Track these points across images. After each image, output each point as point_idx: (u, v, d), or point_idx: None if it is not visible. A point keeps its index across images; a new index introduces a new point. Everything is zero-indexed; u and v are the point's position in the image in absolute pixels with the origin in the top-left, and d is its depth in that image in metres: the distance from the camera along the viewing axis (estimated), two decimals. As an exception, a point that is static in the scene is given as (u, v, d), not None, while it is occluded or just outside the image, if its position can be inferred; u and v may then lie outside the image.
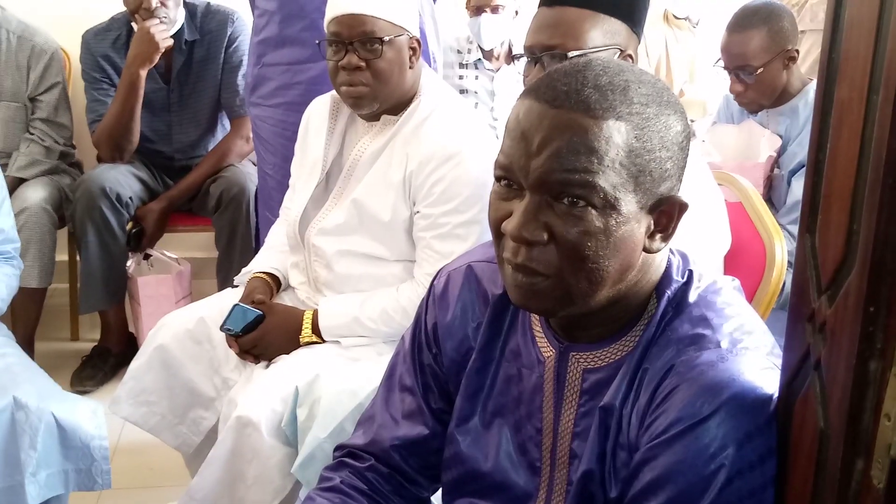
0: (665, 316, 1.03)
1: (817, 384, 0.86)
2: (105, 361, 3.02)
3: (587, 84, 0.96)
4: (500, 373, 1.14)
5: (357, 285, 1.96)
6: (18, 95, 3.07)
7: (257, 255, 2.20)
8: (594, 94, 0.95)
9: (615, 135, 0.94)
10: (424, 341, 1.21)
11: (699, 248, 1.54)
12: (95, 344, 3.10)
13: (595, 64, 0.99)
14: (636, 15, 1.68)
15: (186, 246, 3.47)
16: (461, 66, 3.44)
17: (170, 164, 3.17)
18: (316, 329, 1.92)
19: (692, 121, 3.16)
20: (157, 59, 2.90)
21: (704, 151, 2.55)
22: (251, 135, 3.06)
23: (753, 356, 0.98)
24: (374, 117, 1.97)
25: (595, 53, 1.61)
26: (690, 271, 1.06)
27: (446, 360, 1.19)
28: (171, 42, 2.93)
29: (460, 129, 1.90)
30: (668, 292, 1.03)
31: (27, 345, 2.84)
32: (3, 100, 3.06)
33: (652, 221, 0.99)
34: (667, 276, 1.05)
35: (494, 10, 3.34)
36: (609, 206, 0.95)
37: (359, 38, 1.87)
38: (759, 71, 2.41)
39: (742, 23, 2.44)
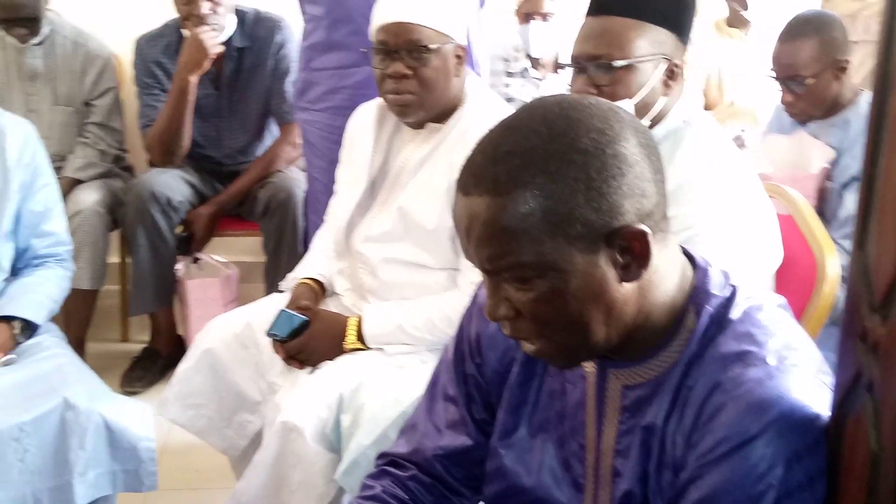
0: (707, 333, 1.01)
1: (870, 406, 0.84)
2: (154, 363, 3.06)
3: (488, 159, 0.96)
4: (543, 387, 1.14)
5: (402, 293, 1.96)
6: (73, 100, 3.14)
7: (303, 261, 2.21)
8: (492, 169, 0.95)
9: (522, 206, 0.93)
10: (467, 351, 1.21)
11: (749, 262, 1.52)
12: (145, 346, 3.15)
13: (506, 129, 0.98)
14: (683, 24, 1.67)
15: (234, 250, 3.51)
16: (508, 74, 3.43)
17: (219, 168, 3.20)
18: (360, 336, 1.93)
19: (742, 130, 3.12)
20: (207, 65, 2.91)
21: (756, 162, 2.51)
22: (299, 140, 3.09)
23: (802, 373, 0.96)
24: (419, 125, 1.98)
25: (639, 64, 1.60)
26: (733, 287, 1.04)
27: (489, 370, 1.18)
28: (221, 49, 2.95)
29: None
30: (709, 308, 1.02)
31: (78, 346, 2.89)
32: (58, 104, 3.12)
33: (616, 254, 0.96)
34: (703, 291, 1.03)
35: (544, 17, 3.33)
36: (547, 269, 0.95)
37: (405, 46, 1.88)
38: (809, 81, 2.37)
39: (793, 32, 2.41)
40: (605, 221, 0.94)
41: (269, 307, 2.05)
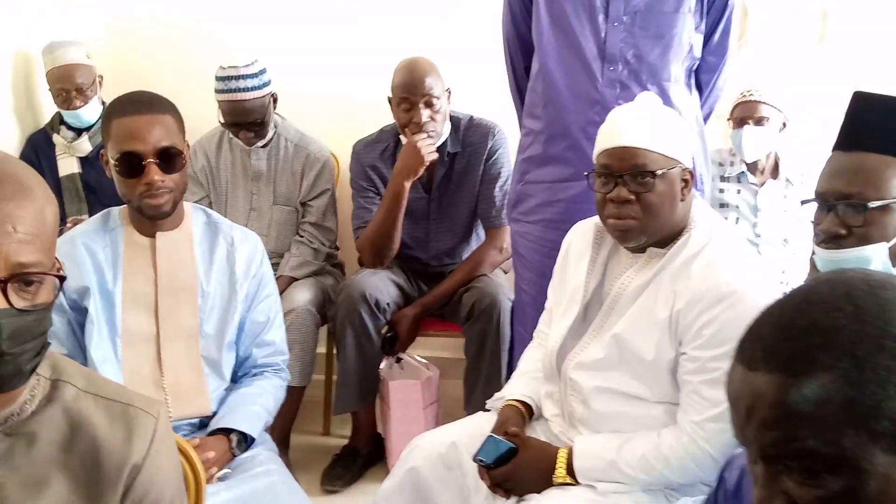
0: None
1: None
2: (353, 461, 3.07)
3: (780, 333, 0.87)
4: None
5: (614, 425, 1.87)
6: (291, 200, 3.27)
7: (511, 380, 2.16)
8: (786, 345, 0.86)
9: (821, 391, 0.83)
10: None
11: None
12: (345, 443, 3.18)
13: (803, 301, 0.88)
14: None
15: (435, 346, 3.51)
16: (722, 178, 3.30)
17: (425, 270, 3.23)
18: (570, 469, 1.85)
19: None
20: (422, 171, 2.96)
21: None
22: (504, 245, 3.08)
23: None
24: (639, 249, 1.91)
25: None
26: None
27: None
28: (436, 155, 2.99)
29: (735, 267, 1.79)
30: None
31: (283, 440, 2.95)
32: (278, 203, 3.27)
33: None
34: None
35: (758, 122, 3.19)
36: (843, 465, 0.84)
37: (630, 171, 1.82)
38: None
39: None
40: None
41: (475, 428, 2.02)
